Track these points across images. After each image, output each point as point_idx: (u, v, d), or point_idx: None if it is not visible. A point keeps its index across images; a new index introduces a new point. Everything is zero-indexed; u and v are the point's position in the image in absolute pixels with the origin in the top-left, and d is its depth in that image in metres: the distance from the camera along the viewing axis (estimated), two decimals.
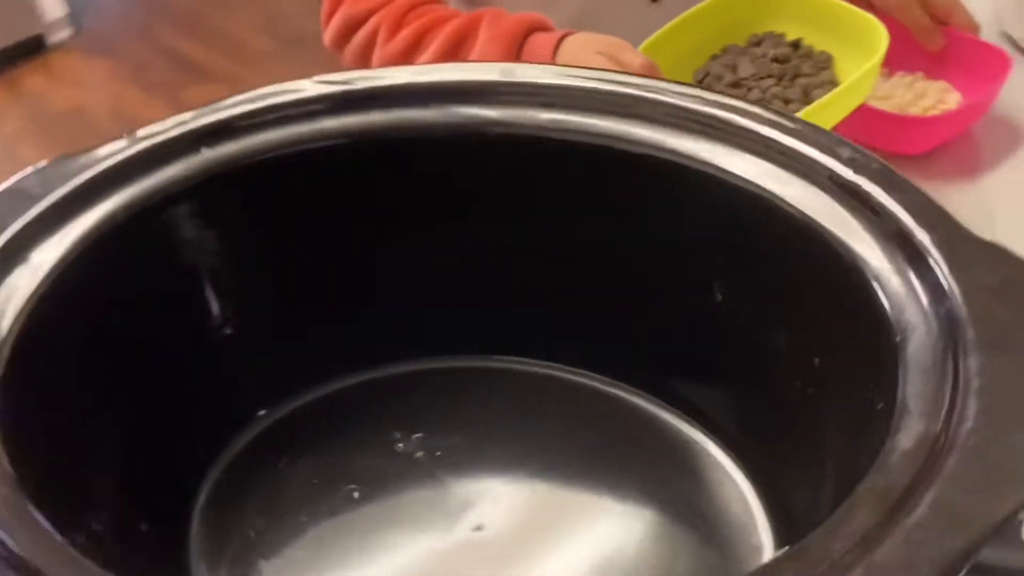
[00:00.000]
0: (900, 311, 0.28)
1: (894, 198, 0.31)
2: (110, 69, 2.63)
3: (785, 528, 0.36)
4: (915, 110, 0.65)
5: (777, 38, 0.64)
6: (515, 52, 0.64)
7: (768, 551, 0.36)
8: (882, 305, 0.28)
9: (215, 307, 0.38)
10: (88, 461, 0.33)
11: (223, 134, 0.38)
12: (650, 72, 0.58)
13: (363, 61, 0.70)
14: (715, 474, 0.39)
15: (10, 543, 0.24)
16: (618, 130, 0.36)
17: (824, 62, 0.63)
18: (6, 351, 0.30)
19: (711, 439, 0.39)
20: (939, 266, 0.28)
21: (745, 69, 0.62)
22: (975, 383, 0.24)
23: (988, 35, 0.74)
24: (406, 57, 0.67)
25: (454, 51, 0.65)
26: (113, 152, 0.37)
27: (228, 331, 0.38)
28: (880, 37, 0.59)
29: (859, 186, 0.32)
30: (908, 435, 0.24)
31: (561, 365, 0.43)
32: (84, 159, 0.37)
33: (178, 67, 2.62)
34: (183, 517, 0.39)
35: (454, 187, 0.39)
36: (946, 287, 0.27)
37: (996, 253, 0.28)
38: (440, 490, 0.40)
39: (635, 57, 0.60)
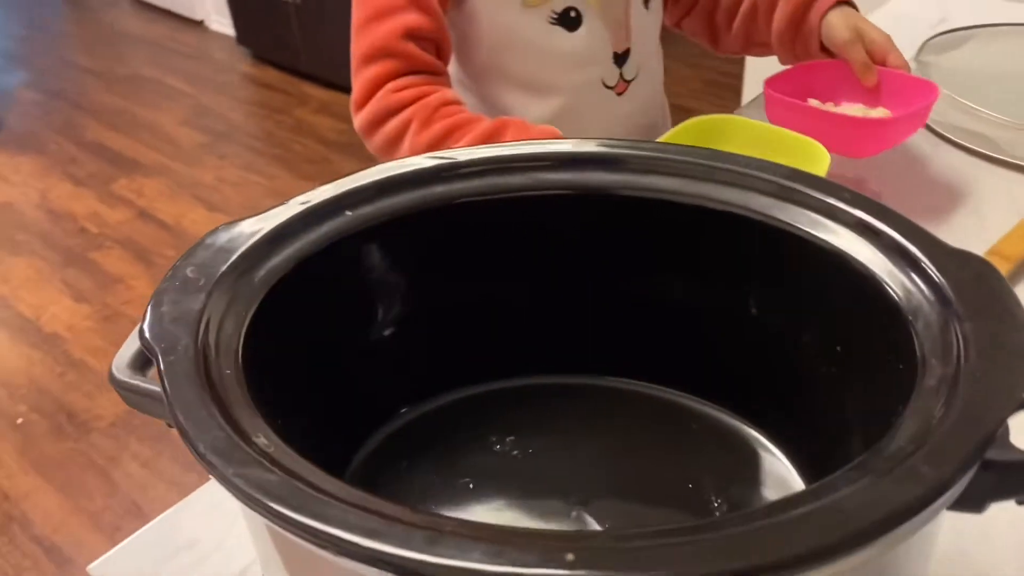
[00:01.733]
0: (908, 300, 0.40)
1: (887, 224, 0.43)
2: (36, 164, 2.65)
3: None
4: None
5: None
6: None
7: None
8: (894, 299, 0.40)
9: (376, 321, 0.48)
10: None
11: (361, 199, 0.48)
12: None
13: (393, 147, 0.79)
14: (760, 453, 0.50)
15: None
16: (672, 186, 0.47)
17: None
18: (239, 351, 0.39)
19: (752, 427, 0.51)
20: (929, 267, 0.40)
21: None
22: (971, 338, 0.36)
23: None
24: (434, 149, 0.75)
25: None
26: (279, 214, 0.46)
27: (380, 340, 0.48)
28: (822, 158, 0.71)
29: (861, 218, 0.44)
30: (932, 377, 0.36)
31: (622, 378, 0.54)
32: (254, 220, 0.46)
33: (106, 161, 2.66)
34: None
35: (540, 235, 0.50)
36: (937, 280, 0.39)
37: (967, 256, 0.40)
38: (538, 478, 0.49)
39: None
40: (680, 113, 2.90)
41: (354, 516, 0.30)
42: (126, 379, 0.42)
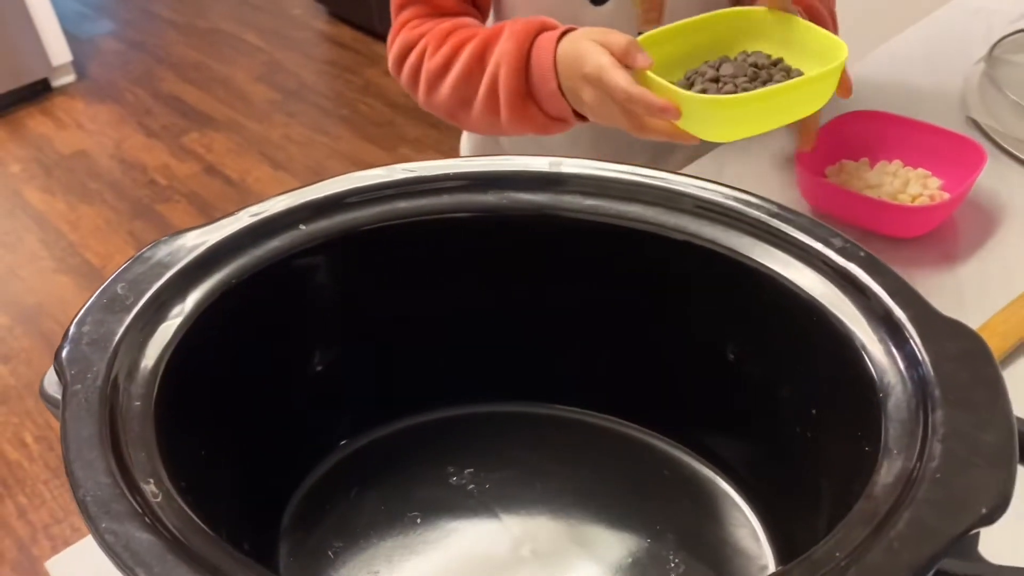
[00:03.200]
0: (883, 374, 0.35)
1: (877, 281, 0.38)
2: (113, 114, 2.70)
3: (788, 556, 0.43)
4: (905, 198, 0.73)
5: (764, 56, 0.69)
6: (527, 47, 0.70)
7: None
8: (869, 370, 0.36)
9: (309, 350, 0.45)
10: (211, 480, 0.39)
11: (318, 213, 0.45)
12: (630, 48, 0.64)
13: (414, 79, 0.77)
14: (727, 509, 0.46)
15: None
16: (654, 217, 0.43)
17: (796, 75, 0.67)
18: (159, 379, 0.37)
19: (723, 478, 0.47)
20: (913, 338, 0.36)
21: (726, 70, 0.68)
22: (940, 431, 0.32)
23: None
24: (446, 67, 0.74)
25: (482, 54, 0.72)
26: (226, 226, 0.44)
27: (319, 368, 0.45)
28: (839, 52, 0.63)
29: (848, 271, 0.39)
30: (890, 470, 0.32)
31: (593, 412, 0.50)
32: (200, 232, 0.44)
33: (180, 114, 2.69)
34: (272, 539, 0.45)
35: (510, 259, 0.47)
36: (919, 355, 0.35)
37: (957, 328, 0.36)
38: (490, 517, 0.47)
39: (619, 37, 0.65)
40: None
41: None
42: (54, 395, 0.41)
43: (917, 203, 0.73)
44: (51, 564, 0.54)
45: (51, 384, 0.41)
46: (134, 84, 2.84)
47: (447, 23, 0.76)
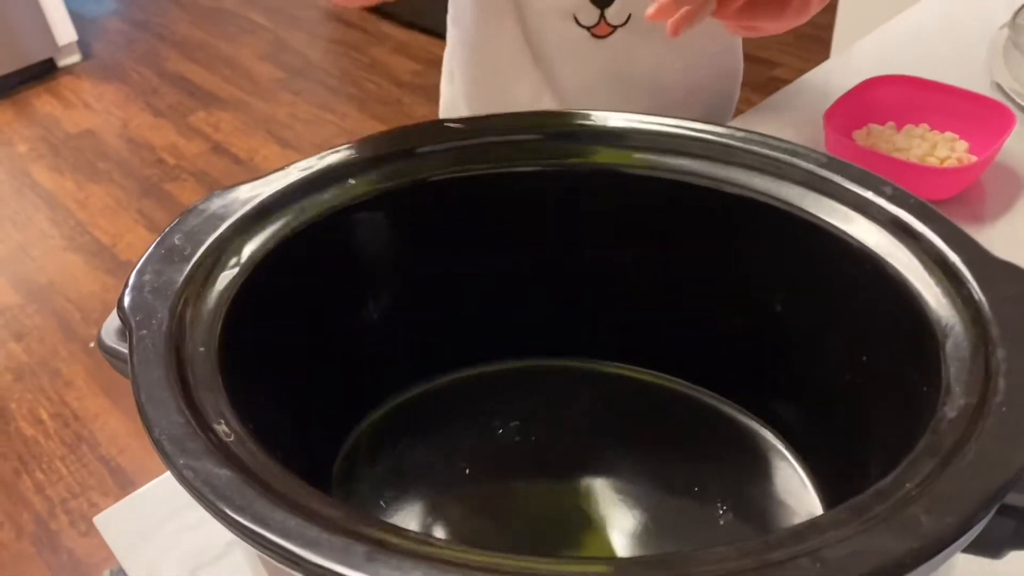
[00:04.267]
0: (941, 317, 0.36)
1: (929, 227, 0.39)
2: (119, 93, 2.70)
3: (837, 502, 0.43)
4: (933, 160, 0.73)
5: None
6: None
7: None
8: (926, 313, 0.36)
9: (360, 303, 0.46)
10: (271, 425, 0.40)
11: (366, 166, 0.45)
12: None
13: None
14: (774, 459, 0.47)
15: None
16: (706, 170, 0.44)
17: None
18: (219, 326, 0.37)
19: (769, 429, 0.47)
20: (969, 281, 0.36)
21: None
22: (1002, 368, 0.32)
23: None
24: None
25: None
26: (277, 180, 0.44)
27: (372, 320, 0.46)
28: None
29: (900, 218, 0.40)
30: (953, 407, 0.32)
31: (637, 367, 0.51)
32: (252, 185, 0.44)
33: (186, 93, 2.69)
34: (325, 486, 0.46)
35: (561, 212, 0.47)
36: (976, 297, 0.35)
37: (1012, 270, 0.36)
38: (537, 468, 0.47)
39: None
40: (763, 66, 2.76)
41: (295, 523, 0.29)
42: (113, 345, 0.41)
43: (945, 166, 0.73)
44: (99, 520, 0.54)
45: (109, 335, 0.41)
46: (139, 63, 2.83)
47: None
